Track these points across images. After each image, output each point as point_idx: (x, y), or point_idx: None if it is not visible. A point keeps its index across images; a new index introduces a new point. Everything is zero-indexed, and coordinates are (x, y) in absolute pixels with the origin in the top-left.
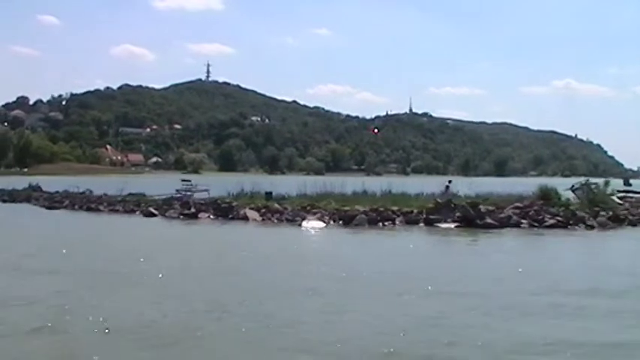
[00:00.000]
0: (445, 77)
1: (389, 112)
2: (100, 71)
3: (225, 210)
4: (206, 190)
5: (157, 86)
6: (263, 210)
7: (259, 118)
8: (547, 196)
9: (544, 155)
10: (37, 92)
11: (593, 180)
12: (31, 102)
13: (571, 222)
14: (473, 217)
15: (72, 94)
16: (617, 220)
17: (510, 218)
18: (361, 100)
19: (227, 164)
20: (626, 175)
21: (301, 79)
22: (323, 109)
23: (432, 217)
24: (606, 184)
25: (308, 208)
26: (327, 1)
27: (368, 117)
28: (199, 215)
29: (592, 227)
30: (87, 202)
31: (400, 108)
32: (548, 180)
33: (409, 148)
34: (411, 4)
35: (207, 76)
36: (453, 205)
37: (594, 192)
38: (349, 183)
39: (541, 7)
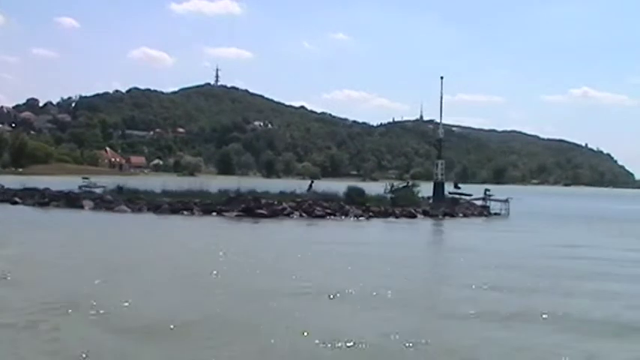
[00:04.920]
0: (462, 84)
1: (395, 119)
2: (118, 74)
3: (72, 199)
4: (103, 187)
5: (166, 90)
6: (97, 200)
7: (262, 123)
8: (350, 194)
9: (548, 164)
10: (54, 94)
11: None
12: (40, 104)
13: (337, 213)
14: (252, 208)
15: (81, 97)
16: (386, 214)
17: (284, 210)
18: (377, 106)
19: (226, 168)
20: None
21: (317, 84)
22: (330, 114)
23: (222, 207)
24: (413, 186)
25: (133, 199)
26: (345, 6)
27: (374, 123)
28: (50, 204)
29: (349, 217)
30: None
31: (415, 114)
32: (549, 188)
33: (412, 154)
34: (429, 10)
35: (216, 81)
36: (241, 199)
37: (398, 193)
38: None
39: (561, 15)
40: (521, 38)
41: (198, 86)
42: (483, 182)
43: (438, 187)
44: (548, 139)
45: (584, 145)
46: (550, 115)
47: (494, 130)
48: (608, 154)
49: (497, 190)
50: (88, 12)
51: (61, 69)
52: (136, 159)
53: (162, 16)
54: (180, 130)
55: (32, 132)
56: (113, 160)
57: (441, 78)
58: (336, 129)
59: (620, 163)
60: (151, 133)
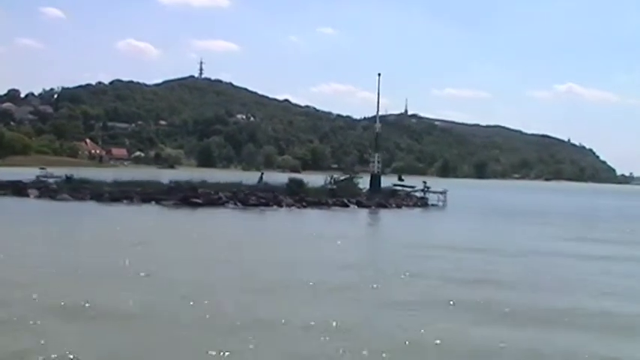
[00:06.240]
0: (448, 79)
1: (380, 113)
2: (103, 65)
3: (18, 188)
4: (59, 177)
5: (149, 82)
6: (43, 189)
7: (244, 116)
8: (290, 185)
9: (530, 159)
10: (38, 84)
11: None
12: (22, 95)
13: (270, 203)
14: (189, 197)
15: (63, 88)
16: (319, 204)
17: (220, 199)
18: (363, 99)
19: (206, 160)
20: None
21: (304, 77)
22: (314, 108)
23: (160, 196)
24: (352, 179)
25: (78, 188)
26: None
27: (357, 117)
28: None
29: (282, 206)
30: None
31: (400, 108)
32: (529, 182)
33: (393, 148)
34: (416, 4)
35: (200, 73)
36: (180, 188)
37: (339, 184)
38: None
39: (548, 11)
40: (509, 34)
41: (181, 78)
42: (464, 176)
43: (375, 179)
44: (532, 135)
45: (567, 140)
46: (535, 110)
47: (477, 125)
48: (591, 150)
49: (476, 185)
50: (74, 2)
51: (46, 60)
52: (117, 151)
53: (149, 8)
54: (163, 122)
55: (12, 123)
56: (93, 151)
57: (379, 75)
58: (319, 122)
59: (602, 158)
60: (133, 125)
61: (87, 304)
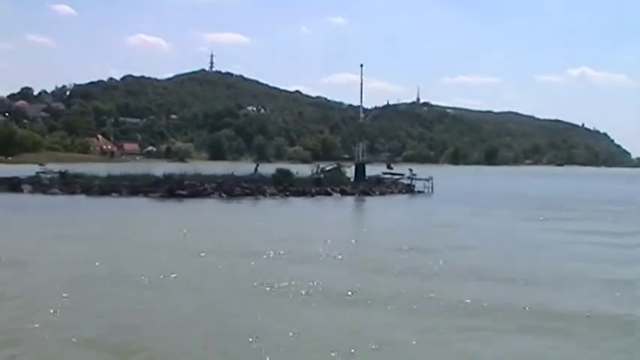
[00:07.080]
0: (460, 66)
1: (389, 102)
2: (114, 61)
3: (14, 184)
4: (58, 172)
5: (160, 77)
6: (36, 184)
7: (255, 108)
8: (278, 175)
9: (542, 144)
10: (50, 82)
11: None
12: (35, 93)
13: (254, 193)
14: (174, 189)
15: (75, 85)
16: (303, 193)
17: (205, 190)
18: (374, 89)
19: (217, 153)
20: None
21: (316, 68)
22: (325, 98)
23: (147, 189)
24: (340, 168)
25: (69, 182)
26: None
27: (369, 107)
28: None
29: (265, 196)
30: None
31: (412, 97)
32: (541, 168)
33: (405, 137)
34: None
35: (211, 67)
36: (166, 180)
37: (327, 174)
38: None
39: None
40: (521, 18)
41: (192, 72)
42: (475, 163)
43: (359, 168)
44: (545, 120)
45: (580, 125)
46: (548, 95)
47: (490, 112)
48: (605, 134)
49: (483, 171)
50: None
51: (58, 56)
52: (129, 146)
53: (159, 2)
54: (174, 116)
55: (26, 121)
56: (105, 147)
57: (361, 66)
58: (329, 113)
59: (617, 142)
60: (145, 120)
61: None
